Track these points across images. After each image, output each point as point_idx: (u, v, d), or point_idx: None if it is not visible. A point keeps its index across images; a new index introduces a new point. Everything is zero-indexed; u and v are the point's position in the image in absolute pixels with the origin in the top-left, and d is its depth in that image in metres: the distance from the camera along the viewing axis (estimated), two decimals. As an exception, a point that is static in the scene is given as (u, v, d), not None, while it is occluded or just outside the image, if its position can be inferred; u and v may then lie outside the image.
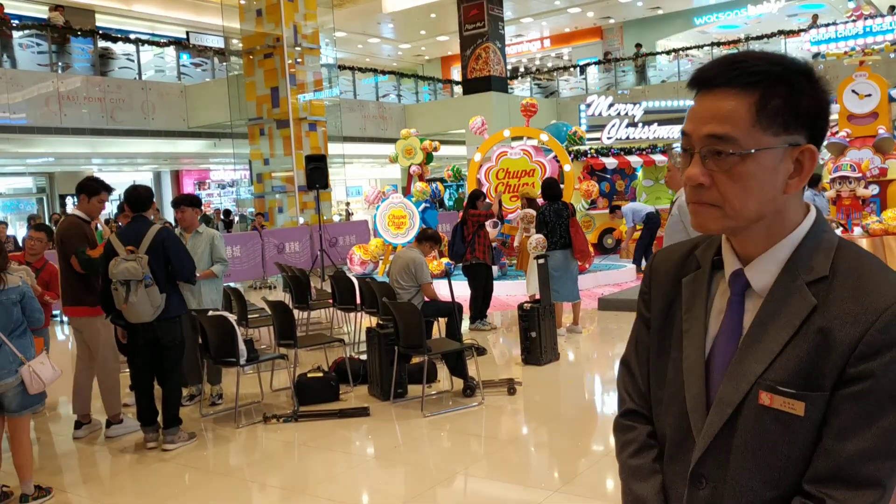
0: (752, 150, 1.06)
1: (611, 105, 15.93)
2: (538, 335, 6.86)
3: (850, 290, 1.06)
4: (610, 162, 15.05)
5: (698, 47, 23.58)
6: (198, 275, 5.61)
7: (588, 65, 25.57)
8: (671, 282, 1.28)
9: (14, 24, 16.10)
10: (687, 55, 23.43)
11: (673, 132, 16.32)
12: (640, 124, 16.02)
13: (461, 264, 8.66)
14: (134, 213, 5.32)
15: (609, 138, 15.76)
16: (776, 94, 1.07)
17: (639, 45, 24.72)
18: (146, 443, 5.29)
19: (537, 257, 7.36)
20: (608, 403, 5.88)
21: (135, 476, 4.88)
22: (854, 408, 1.04)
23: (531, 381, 6.50)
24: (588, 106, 16.03)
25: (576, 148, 14.23)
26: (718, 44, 23.51)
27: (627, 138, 15.92)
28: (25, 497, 4.36)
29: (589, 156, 14.87)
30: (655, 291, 1.31)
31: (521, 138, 12.77)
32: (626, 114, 15.94)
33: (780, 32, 21.85)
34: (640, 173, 16.16)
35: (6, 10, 16.40)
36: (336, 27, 19.67)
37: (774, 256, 1.13)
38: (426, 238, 7.09)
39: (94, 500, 4.58)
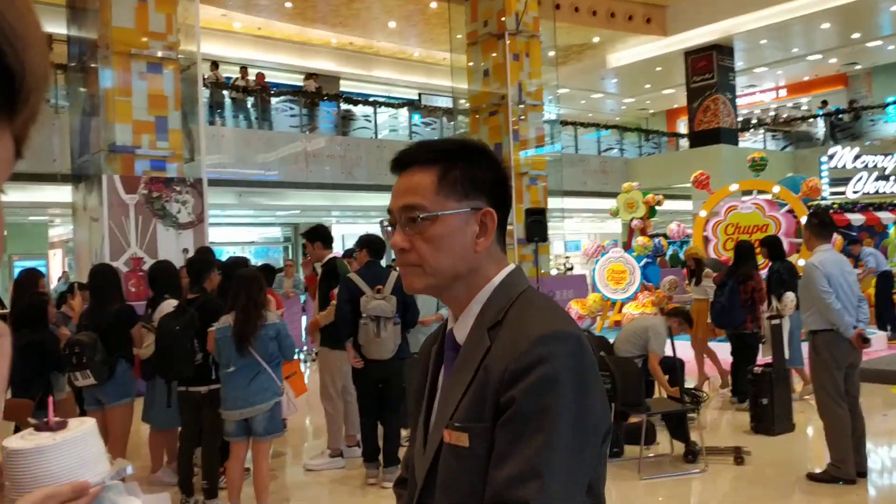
0: (438, 214, 1.22)
1: (857, 157, 14.62)
2: (770, 402, 6.31)
3: (509, 329, 1.16)
4: (856, 218, 13.74)
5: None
6: (421, 320, 5.82)
7: (831, 114, 23.73)
8: (426, 351, 1.40)
9: (273, 92, 18.09)
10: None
11: (933, 185, 14.63)
12: (893, 178, 14.53)
13: (730, 332, 7.57)
14: (370, 259, 5.66)
15: (855, 192, 14.44)
16: (455, 167, 1.24)
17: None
18: (367, 478, 5.51)
19: (770, 317, 6.81)
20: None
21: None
22: (504, 435, 1.09)
23: (762, 450, 5.97)
24: (830, 157, 14.82)
25: (815, 203, 13.16)
26: None
27: (877, 192, 14.49)
28: None
29: (832, 210, 13.67)
30: (420, 364, 1.42)
31: (751, 192, 12.03)
32: (876, 166, 14.54)
33: None
34: (892, 231, 14.59)
35: (266, 79, 18.48)
36: (560, 84, 19.97)
37: (471, 310, 1.24)
38: (679, 315, 6.65)
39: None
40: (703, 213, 12.03)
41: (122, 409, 4.91)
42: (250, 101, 17.50)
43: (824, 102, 25.17)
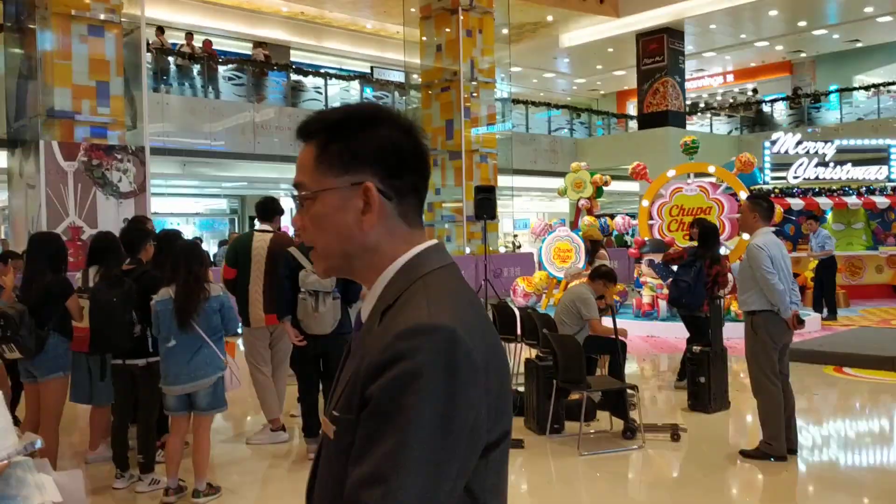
0: (316, 192, 1.14)
1: (799, 143, 14.96)
2: (707, 380, 6.47)
3: (391, 316, 1.07)
4: (796, 203, 14.10)
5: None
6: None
7: (775, 100, 24.26)
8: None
9: (220, 60, 17.66)
10: (888, 91, 21.63)
11: (869, 173, 15.06)
12: (832, 164, 14.93)
13: (685, 314, 7.39)
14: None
15: (795, 178, 14.80)
16: (334, 140, 1.14)
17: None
18: (308, 453, 5.48)
19: (713, 298, 6.95)
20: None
21: (295, 483, 5.05)
22: (361, 432, 1.01)
23: (698, 427, 6.13)
24: (773, 143, 15.14)
25: (758, 188, 13.46)
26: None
27: (817, 178, 14.87)
28: (197, 493, 4.62)
29: (773, 195, 14.00)
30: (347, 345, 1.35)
31: (688, 175, 12.25)
32: (817, 152, 14.90)
33: None
34: (829, 216, 15.02)
35: (214, 47, 18.03)
36: (512, 62, 19.95)
37: (374, 291, 1.16)
38: (601, 276, 6.74)
39: (258, 502, 4.80)
40: (645, 203, 12.18)
41: (55, 384, 4.76)
42: (196, 68, 17.06)
43: (755, 91, 25.82)
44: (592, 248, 8.97)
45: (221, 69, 17.50)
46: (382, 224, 1.14)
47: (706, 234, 7.43)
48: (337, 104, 13.97)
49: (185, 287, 4.41)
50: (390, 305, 1.09)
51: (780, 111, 23.69)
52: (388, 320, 1.06)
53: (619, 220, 12.75)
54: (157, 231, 5.91)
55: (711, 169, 11.84)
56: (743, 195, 11.51)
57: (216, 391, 4.62)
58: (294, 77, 18.85)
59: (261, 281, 5.87)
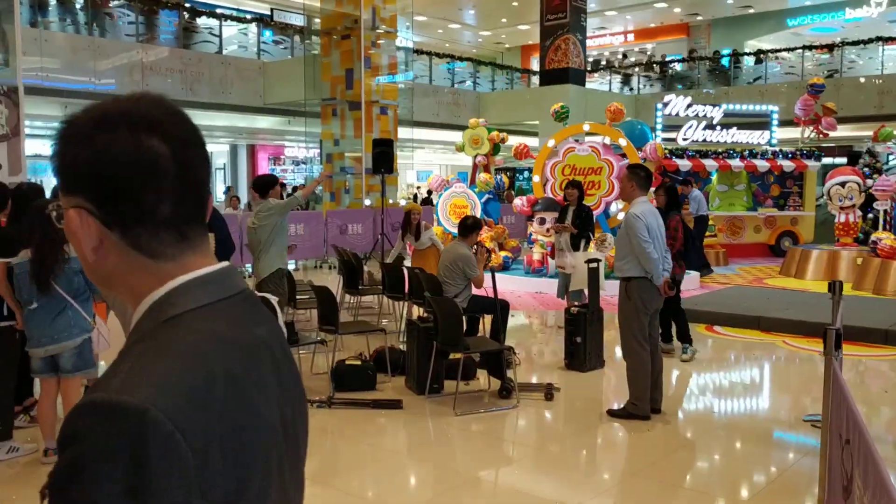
0: (61, 209, 0.96)
1: (689, 105, 15.45)
2: (584, 340, 6.70)
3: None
4: (683, 164, 14.62)
5: (789, 50, 22.59)
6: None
7: (672, 62, 24.89)
8: None
9: (106, -6, 16.63)
10: (777, 58, 22.52)
11: (753, 137, 15.74)
12: (719, 127, 15.51)
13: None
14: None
15: (685, 140, 15.31)
16: (59, 153, 0.95)
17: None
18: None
19: (589, 261, 7.17)
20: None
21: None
22: None
23: (572, 386, 6.36)
24: (665, 105, 15.58)
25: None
26: (811, 47, 22.51)
27: (704, 141, 15.44)
28: (47, 451, 4.58)
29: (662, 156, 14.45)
30: None
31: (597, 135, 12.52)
32: (705, 115, 15.44)
33: (878, 39, 20.74)
34: (714, 178, 15.66)
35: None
36: (416, 11, 19.64)
37: (131, 324, 0.97)
38: (469, 229, 6.75)
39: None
40: (551, 143, 12.32)
41: None
42: (79, 3, 16.01)
43: (624, 55, 26.64)
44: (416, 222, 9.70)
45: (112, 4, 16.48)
46: (115, 256, 0.95)
47: (672, 195, 7.41)
48: (234, 47, 13.38)
49: (40, 249, 4.23)
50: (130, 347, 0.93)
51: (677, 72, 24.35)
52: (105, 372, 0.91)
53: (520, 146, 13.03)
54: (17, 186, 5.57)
55: (586, 127, 12.17)
56: (623, 142, 11.88)
57: (82, 353, 4.57)
58: (188, 17, 17.98)
59: None
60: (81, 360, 4.54)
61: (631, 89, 24.91)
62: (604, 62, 29.36)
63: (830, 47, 21.89)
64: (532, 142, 21.22)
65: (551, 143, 12.22)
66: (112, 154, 0.91)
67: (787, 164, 15.08)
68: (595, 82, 25.05)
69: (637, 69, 25.74)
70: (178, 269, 0.95)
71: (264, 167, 25.57)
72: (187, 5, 18.68)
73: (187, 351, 0.89)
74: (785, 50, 22.73)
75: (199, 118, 18.31)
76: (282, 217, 6.52)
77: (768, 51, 22.91)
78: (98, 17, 16.25)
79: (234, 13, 20.29)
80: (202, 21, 18.29)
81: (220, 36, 18.26)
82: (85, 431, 0.80)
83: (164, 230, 0.94)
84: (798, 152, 15.39)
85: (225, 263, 1.00)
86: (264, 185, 6.67)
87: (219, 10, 19.50)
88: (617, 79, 25.87)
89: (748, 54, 23.57)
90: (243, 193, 21.94)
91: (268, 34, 20.04)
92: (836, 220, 12.90)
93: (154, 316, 0.93)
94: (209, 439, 0.85)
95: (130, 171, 0.91)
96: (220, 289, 0.97)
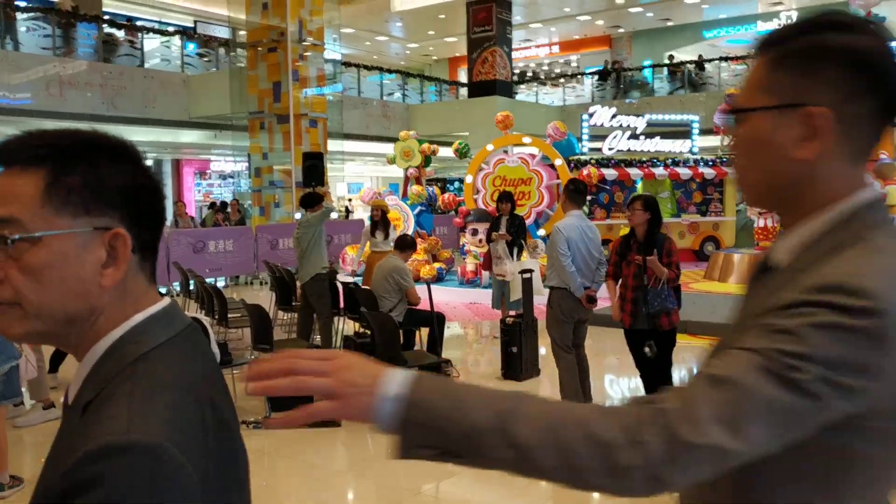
0: (40, 235, 0.89)
1: (613, 116, 15.83)
2: (519, 350, 6.78)
3: (91, 414, 0.88)
4: (610, 173, 14.97)
5: (707, 61, 23.41)
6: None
7: (594, 73, 25.49)
8: None
9: (18, 7, 16.04)
10: (695, 71, 23.28)
11: (675, 146, 16.24)
12: (643, 137, 15.95)
13: None
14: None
15: (610, 149, 15.68)
16: (72, 170, 0.91)
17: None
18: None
19: (522, 271, 7.26)
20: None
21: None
22: None
23: (509, 396, 6.43)
24: (590, 116, 15.94)
25: (576, 158, 14.17)
26: (727, 58, 23.37)
27: (629, 150, 15.84)
28: (1, 486, 4.37)
29: (589, 165, 14.78)
30: None
31: (506, 149, 12.76)
32: (629, 126, 15.86)
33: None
34: (639, 186, 16.08)
35: (12, -8, 16.35)
36: (343, 23, 19.60)
37: (82, 370, 0.95)
38: (407, 246, 7.05)
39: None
40: (469, 179, 12.49)
41: None
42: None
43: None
44: (382, 219, 9.53)
45: (21, 17, 15.91)
46: (122, 280, 0.94)
47: (655, 209, 5.59)
48: (157, 60, 13.07)
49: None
50: (92, 399, 0.89)
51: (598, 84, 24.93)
52: (89, 418, 0.87)
53: (446, 196, 13.12)
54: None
55: (527, 140, 12.38)
56: (559, 162, 12.12)
57: (10, 380, 4.43)
58: (107, 30, 17.49)
59: None
60: (9, 388, 4.40)
61: (554, 103, 25.37)
62: (530, 73, 29.85)
63: (745, 58, 22.74)
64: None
65: (490, 146, 12.40)
66: (147, 176, 0.99)
67: (709, 172, 15.61)
68: (523, 94, 25.44)
69: (562, 80, 26.24)
70: (150, 299, 0.98)
71: (189, 182, 25.04)
72: (106, 18, 18.19)
73: (175, 384, 0.90)
74: (696, 61, 23.48)
75: (122, 133, 17.80)
76: (319, 226, 7.56)
77: (687, 62, 23.68)
78: (10, 30, 15.66)
79: (157, 25, 19.86)
80: (123, 34, 17.82)
81: (141, 49, 17.84)
82: (102, 475, 0.80)
83: (153, 260, 1.00)
84: (718, 160, 15.96)
85: (168, 299, 1.01)
86: (311, 201, 7.65)
87: (139, 23, 19.05)
88: (544, 90, 26.31)
89: (666, 65, 24.29)
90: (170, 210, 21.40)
91: (191, 47, 19.67)
92: (756, 225, 13.41)
93: (121, 351, 0.93)
94: (206, 466, 0.88)
95: (155, 195, 0.99)
96: (169, 326, 0.98)
